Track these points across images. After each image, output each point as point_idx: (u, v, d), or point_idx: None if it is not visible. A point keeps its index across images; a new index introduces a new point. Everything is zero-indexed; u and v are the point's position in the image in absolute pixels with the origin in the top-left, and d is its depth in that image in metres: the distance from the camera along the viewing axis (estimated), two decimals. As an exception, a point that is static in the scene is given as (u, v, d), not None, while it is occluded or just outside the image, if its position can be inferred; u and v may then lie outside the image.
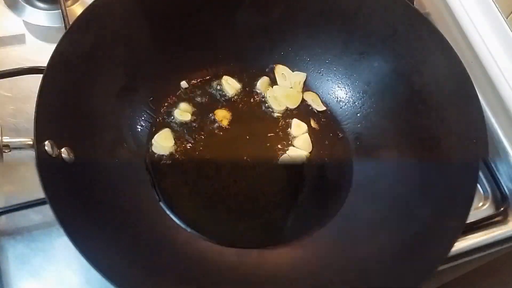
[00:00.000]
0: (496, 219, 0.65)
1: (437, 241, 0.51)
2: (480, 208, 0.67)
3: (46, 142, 0.47)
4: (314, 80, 0.68)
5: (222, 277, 0.54)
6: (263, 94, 0.67)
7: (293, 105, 0.67)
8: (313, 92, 0.68)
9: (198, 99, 0.66)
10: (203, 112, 0.65)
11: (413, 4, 0.70)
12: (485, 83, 0.72)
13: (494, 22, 0.73)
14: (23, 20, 0.69)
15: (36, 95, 0.48)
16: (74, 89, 0.53)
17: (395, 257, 0.53)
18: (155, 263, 0.53)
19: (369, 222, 0.58)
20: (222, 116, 0.64)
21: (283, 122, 0.66)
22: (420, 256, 0.51)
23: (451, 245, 0.49)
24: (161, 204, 0.59)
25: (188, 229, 0.58)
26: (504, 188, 0.67)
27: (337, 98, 0.68)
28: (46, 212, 0.46)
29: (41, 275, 0.54)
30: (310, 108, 0.68)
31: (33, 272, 0.54)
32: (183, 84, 0.66)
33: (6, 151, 0.47)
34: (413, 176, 0.59)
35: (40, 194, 0.46)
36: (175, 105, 0.64)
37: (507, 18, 0.73)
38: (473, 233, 0.62)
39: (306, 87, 0.68)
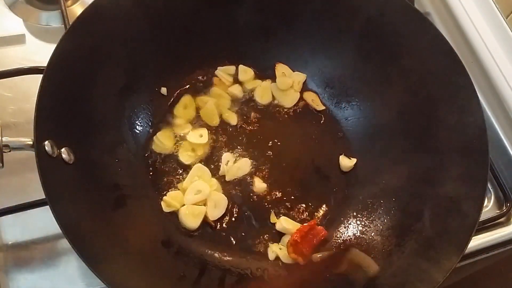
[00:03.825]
0: (499, 220, 0.65)
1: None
2: (483, 209, 0.67)
3: (46, 142, 0.47)
4: (313, 80, 0.68)
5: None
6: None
7: (288, 104, 0.67)
8: (313, 92, 0.68)
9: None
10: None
11: (413, 4, 0.70)
12: (485, 83, 0.72)
13: (494, 22, 0.73)
14: (23, 20, 0.69)
15: (36, 95, 0.48)
16: (74, 89, 0.53)
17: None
18: (154, 266, 0.53)
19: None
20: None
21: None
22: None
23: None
24: (162, 203, 0.59)
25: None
26: (506, 189, 0.67)
27: (337, 98, 0.67)
28: (45, 213, 0.45)
29: (39, 277, 0.54)
30: (310, 108, 0.67)
31: (31, 274, 0.54)
32: (163, 91, 0.64)
33: (6, 151, 0.47)
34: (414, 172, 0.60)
35: (40, 194, 0.46)
36: (176, 101, 0.65)
37: (507, 18, 0.73)
38: (476, 234, 0.62)
39: (306, 87, 0.68)
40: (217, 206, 0.58)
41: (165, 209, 0.58)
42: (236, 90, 0.66)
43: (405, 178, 0.60)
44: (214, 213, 0.58)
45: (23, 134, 0.47)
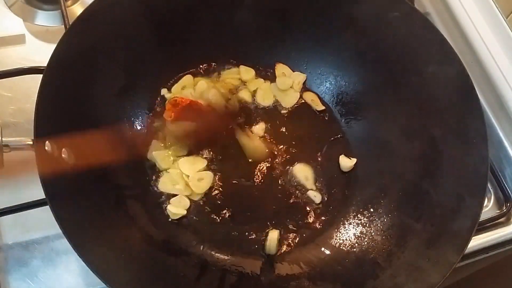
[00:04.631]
0: (499, 220, 0.65)
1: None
2: (483, 209, 0.67)
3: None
4: (313, 80, 0.68)
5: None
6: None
7: (288, 104, 0.67)
8: (313, 92, 0.68)
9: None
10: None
11: (413, 4, 0.70)
12: (485, 83, 0.72)
13: (494, 22, 0.73)
14: (23, 20, 0.69)
15: (36, 95, 0.48)
16: (74, 89, 0.53)
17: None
18: (155, 266, 0.53)
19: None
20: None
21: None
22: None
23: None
24: (162, 205, 0.59)
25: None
26: (506, 189, 0.67)
27: (337, 98, 0.67)
28: (45, 213, 0.45)
29: (39, 277, 0.54)
30: (310, 108, 0.67)
31: (31, 274, 0.54)
32: (163, 91, 0.64)
33: (6, 151, 0.47)
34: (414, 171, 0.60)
35: (40, 194, 0.46)
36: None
37: (507, 18, 0.73)
38: (476, 234, 0.61)
39: (305, 88, 0.68)
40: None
41: (173, 216, 0.58)
42: (245, 95, 0.66)
43: (405, 178, 0.60)
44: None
45: (23, 134, 0.48)
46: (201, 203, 0.59)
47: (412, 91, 0.62)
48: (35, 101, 0.48)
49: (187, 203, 0.59)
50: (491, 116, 0.72)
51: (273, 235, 0.58)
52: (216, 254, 0.57)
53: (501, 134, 0.71)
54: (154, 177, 0.60)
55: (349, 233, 0.60)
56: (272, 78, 0.68)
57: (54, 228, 0.46)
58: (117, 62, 0.59)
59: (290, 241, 0.59)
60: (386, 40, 0.62)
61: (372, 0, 0.61)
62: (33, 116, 0.47)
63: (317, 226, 0.60)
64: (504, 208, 0.66)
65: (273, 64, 0.68)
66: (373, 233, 0.59)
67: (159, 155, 0.60)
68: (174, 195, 0.59)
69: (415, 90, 0.61)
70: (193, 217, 0.59)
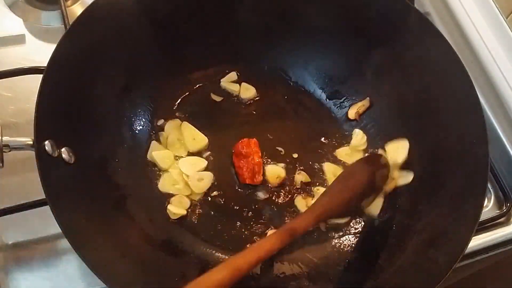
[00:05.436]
0: (499, 220, 0.65)
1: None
2: (483, 209, 0.67)
3: (46, 142, 0.47)
4: (314, 80, 0.68)
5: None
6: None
7: None
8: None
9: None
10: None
11: (413, 4, 0.70)
12: (485, 83, 0.72)
13: (494, 22, 0.73)
14: (23, 20, 0.69)
15: (36, 95, 0.48)
16: (74, 89, 0.53)
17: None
18: (155, 265, 0.53)
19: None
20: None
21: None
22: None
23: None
24: (162, 205, 0.59)
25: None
26: (506, 189, 0.67)
27: (338, 98, 0.67)
28: (45, 213, 0.46)
29: (39, 277, 0.54)
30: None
31: (31, 274, 0.54)
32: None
33: (6, 151, 0.47)
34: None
35: (40, 194, 0.46)
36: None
37: (507, 18, 0.73)
38: (476, 234, 0.61)
39: (305, 88, 0.68)
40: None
41: (173, 216, 0.58)
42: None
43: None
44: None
45: (23, 134, 0.47)
46: (201, 203, 0.60)
47: (413, 91, 0.62)
48: (35, 101, 0.48)
49: (187, 203, 0.59)
50: (491, 116, 0.72)
51: (273, 235, 0.58)
52: (216, 254, 0.57)
53: (501, 134, 0.71)
54: (154, 177, 0.60)
55: (350, 231, 0.60)
56: (269, 83, 0.67)
57: (54, 228, 0.46)
58: (117, 62, 0.59)
59: (290, 241, 0.59)
60: (387, 39, 0.62)
61: (373, 1, 0.61)
62: (33, 116, 0.47)
63: (317, 225, 0.60)
64: (504, 208, 0.66)
65: (272, 65, 0.67)
66: (373, 233, 0.59)
67: (159, 155, 0.60)
68: (174, 195, 0.59)
69: (415, 91, 0.61)
70: (193, 217, 0.59)
